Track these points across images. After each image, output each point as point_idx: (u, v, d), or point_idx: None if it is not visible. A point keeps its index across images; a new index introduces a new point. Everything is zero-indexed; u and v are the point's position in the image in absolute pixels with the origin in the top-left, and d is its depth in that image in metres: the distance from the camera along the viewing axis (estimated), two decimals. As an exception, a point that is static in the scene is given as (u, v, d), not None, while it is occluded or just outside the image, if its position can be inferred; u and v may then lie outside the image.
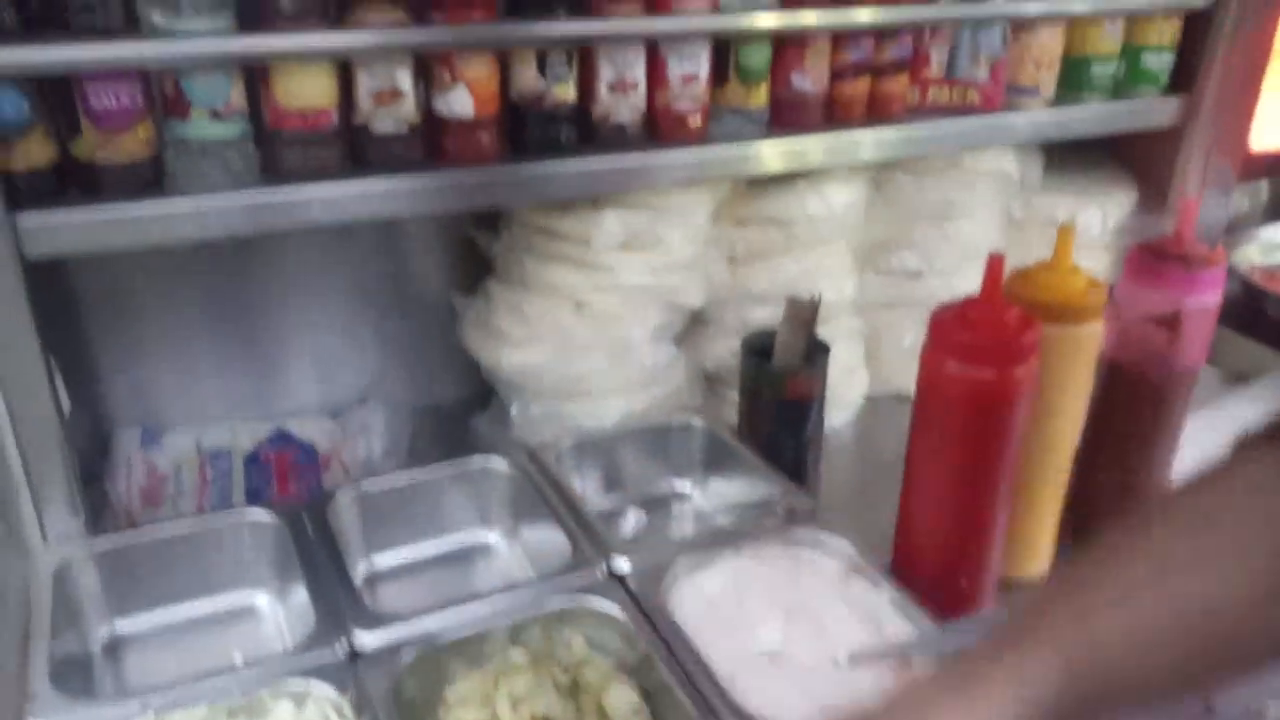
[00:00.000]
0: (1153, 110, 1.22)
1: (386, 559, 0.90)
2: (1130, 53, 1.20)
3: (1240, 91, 1.25)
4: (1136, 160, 1.30)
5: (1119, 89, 1.21)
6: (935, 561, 0.84)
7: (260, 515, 0.83)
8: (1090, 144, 1.23)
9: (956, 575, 0.84)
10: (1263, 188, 1.51)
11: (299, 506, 0.84)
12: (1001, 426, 0.78)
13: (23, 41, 0.70)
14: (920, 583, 0.81)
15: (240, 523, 0.83)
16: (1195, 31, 1.21)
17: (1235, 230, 1.41)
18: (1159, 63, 1.20)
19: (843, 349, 1.16)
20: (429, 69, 0.85)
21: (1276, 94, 1.39)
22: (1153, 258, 0.92)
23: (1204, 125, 1.24)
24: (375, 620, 0.73)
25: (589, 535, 0.84)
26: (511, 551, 0.93)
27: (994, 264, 0.77)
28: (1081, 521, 1.00)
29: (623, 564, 0.81)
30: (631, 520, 0.95)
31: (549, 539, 0.86)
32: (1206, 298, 0.92)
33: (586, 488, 0.99)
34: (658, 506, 1.00)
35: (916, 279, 1.19)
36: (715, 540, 0.85)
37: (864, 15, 1.00)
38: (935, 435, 0.81)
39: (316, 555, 0.80)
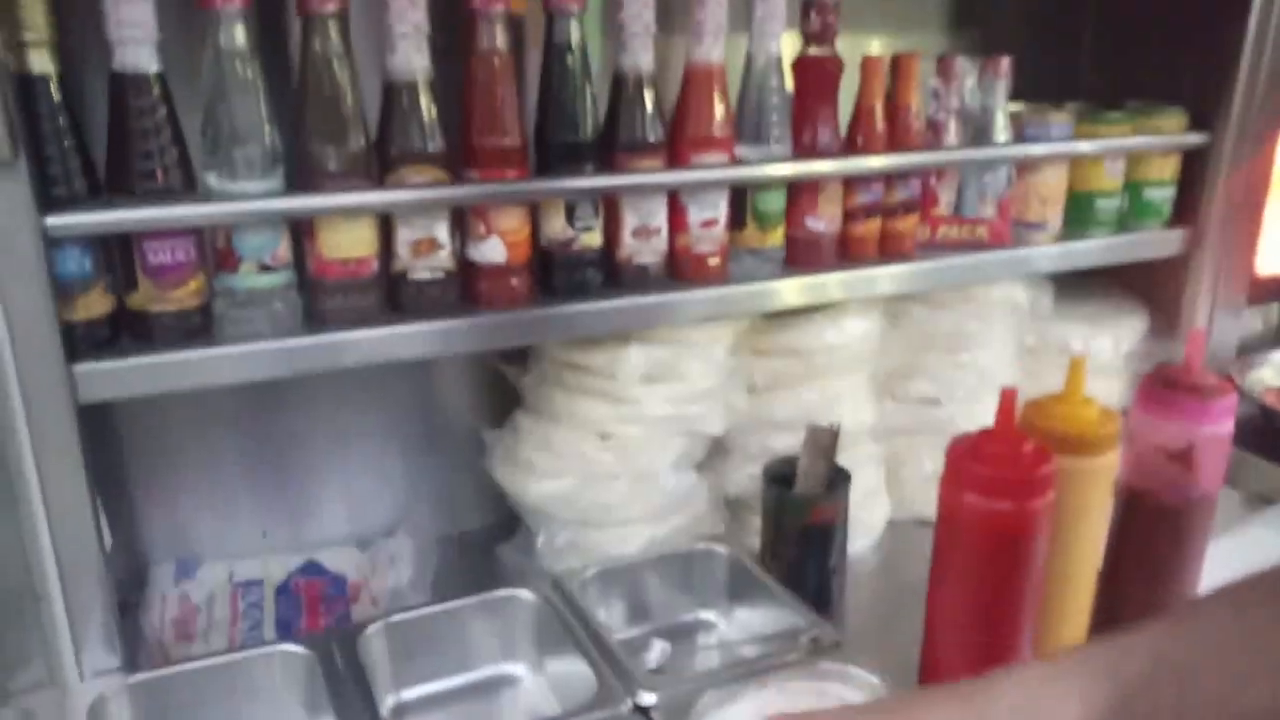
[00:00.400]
0: (1157, 241, 1.26)
1: (413, 692, 0.91)
2: (1133, 187, 1.25)
3: (1242, 220, 1.30)
4: (1145, 288, 1.33)
5: (1123, 222, 1.25)
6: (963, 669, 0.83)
7: (292, 648, 0.85)
8: (1100, 272, 1.27)
9: None
10: (1274, 310, 1.54)
11: (329, 638, 0.86)
12: (1020, 557, 0.80)
13: (88, 206, 0.76)
14: None
15: (272, 655, 0.85)
16: (1195, 165, 1.26)
17: (1248, 353, 1.44)
18: (1161, 196, 1.25)
19: (864, 475, 1.18)
20: (464, 220, 0.90)
21: None
22: (1163, 388, 0.95)
23: (1209, 253, 1.28)
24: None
25: (614, 668, 0.85)
26: (536, 684, 0.93)
27: (1007, 398, 0.81)
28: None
29: (648, 698, 0.82)
30: (656, 651, 0.95)
31: (574, 671, 0.87)
32: (1219, 426, 0.94)
33: (611, 617, 1.00)
34: (682, 636, 1.01)
35: (934, 406, 1.22)
36: (740, 673, 0.86)
37: (874, 162, 1.05)
38: (956, 566, 0.83)
39: (345, 688, 0.81)
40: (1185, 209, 1.27)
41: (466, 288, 0.92)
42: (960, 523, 0.81)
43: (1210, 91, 1.22)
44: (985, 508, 0.79)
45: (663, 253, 1.00)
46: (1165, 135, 1.23)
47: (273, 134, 0.79)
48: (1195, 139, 1.23)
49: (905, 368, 1.21)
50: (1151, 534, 0.96)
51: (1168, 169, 1.25)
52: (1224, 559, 1.00)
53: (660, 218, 0.99)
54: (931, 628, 0.86)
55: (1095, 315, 1.29)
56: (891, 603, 1.11)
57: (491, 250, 0.92)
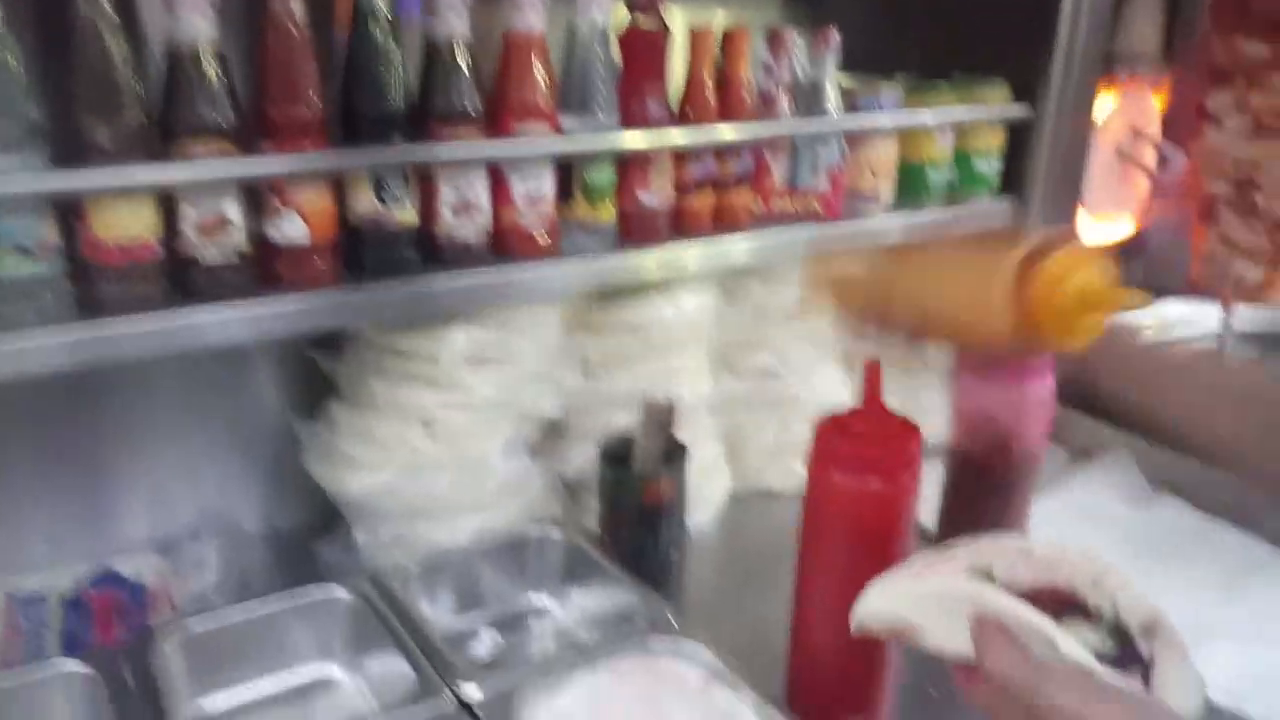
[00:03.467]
0: (986, 212, 1.30)
1: (217, 702, 0.86)
2: (961, 159, 1.29)
3: (1064, 189, 1.35)
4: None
5: (953, 193, 1.29)
6: (832, 667, 0.83)
7: (72, 666, 0.79)
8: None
9: (854, 680, 0.84)
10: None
11: (118, 653, 0.81)
12: (892, 533, 0.80)
13: None
14: (816, 689, 0.83)
15: (47, 676, 0.79)
16: (1019, 137, 1.30)
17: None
18: (988, 167, 1.29)
19: (704, 449, 1.19)
20: (260, 197, 0.85)
21: (1098, 191, 1.51)
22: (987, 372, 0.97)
23: (1034, 222, 1.33)
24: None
25: (435, 662, 0.83)
26: (355, 686, 0.90)
27: (872, 371, 0.79)
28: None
29: (471, 691, 0.80)
30: (487, 641, 0.94)
31: (394, 669, 0.84)
32: (1040, 384, 0.97)
33: (438, 610, 0.97)
34: (516, 625, 0.99)
35: (773, 378, 1.23)
36: (570, 658, 0.85)
37: (705, 135, 1.05)
38: (826, 545, 0.81)
39: (133, 707, 0.76)
40: (1011, 179, 1.32)
41: (266, 270, 0.87)
42: (829, 503, 0.80)
43: (1030, 64, 1.27)
44: (855, 487, 0.78)
45: (486, 229, 0.97)
46: (990, 106, 1.26)
47: (30, 105, 0.73)
48: (1019, 110, 1.28)
49: (743, 341, 1.22)
50: (980, 496, 0.99)
51: (994, 140, 1.29)
52: (1048, 515, 1.05)
53: (481, 192, 0.96)
54: (800, 611, 0.84)
55: (929, 285, 1.32)
56: (733, 576, 1.12)
57: (291, 228, 0.87)
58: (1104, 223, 1.55)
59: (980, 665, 0.59)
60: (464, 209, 0.95)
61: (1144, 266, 1.64)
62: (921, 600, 0.64)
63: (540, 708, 0.81)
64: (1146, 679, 0.58)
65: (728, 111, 1.08)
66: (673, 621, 0.90)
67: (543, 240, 0.99)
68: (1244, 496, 1.18)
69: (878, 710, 0.83)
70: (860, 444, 0.77)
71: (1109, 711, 0.54)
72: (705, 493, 1.19)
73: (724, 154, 1.09)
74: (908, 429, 0.79)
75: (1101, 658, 0.58)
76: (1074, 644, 0.58)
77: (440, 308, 0.95)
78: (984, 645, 0.59)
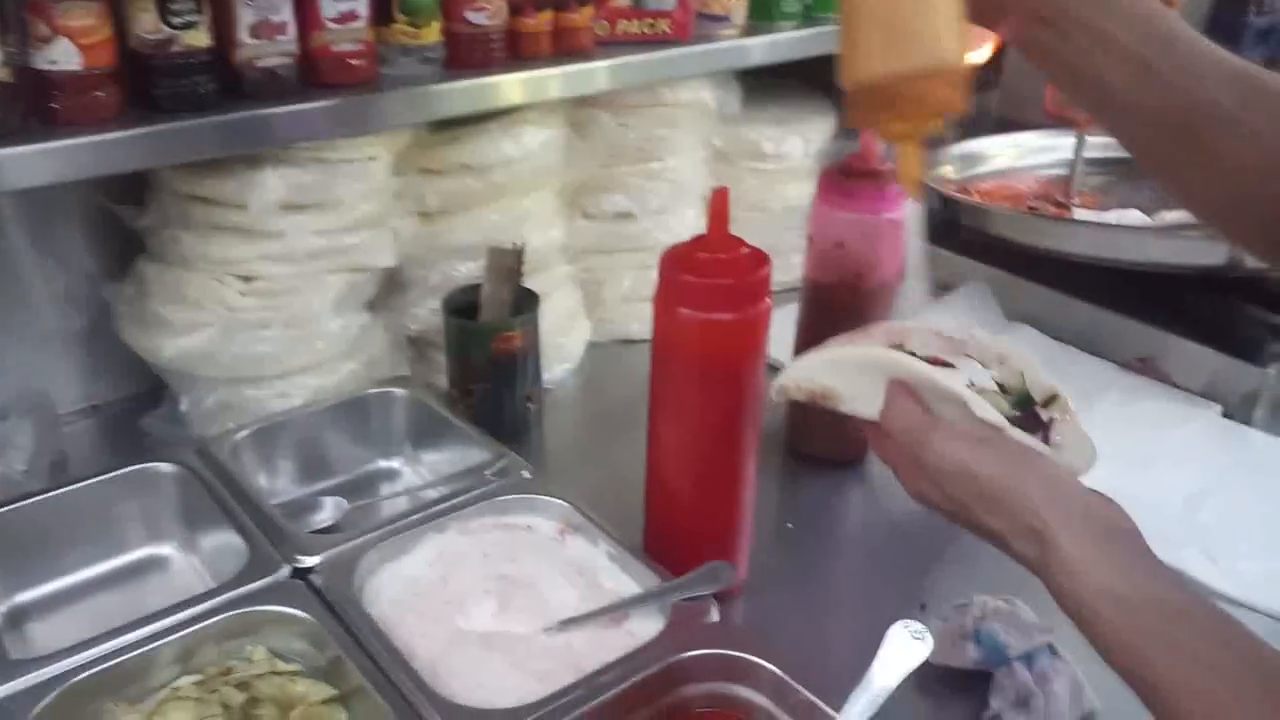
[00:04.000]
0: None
1: (34, 593, 0.79)
2: (815, -23, 1.22)
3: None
4: (831, 85, 1.32)
5: (808, 14, 1.23)
6: (689, 510, 0.80)
7: None
8: (788, 72, 1.25)
9: (712, 521, 0.81)
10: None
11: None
12: (744, 367, 0.76)
13: None
14: (674, 533, 0.80)
15: None
16: (875, -46, 1.24)
17: (932, 148, 1.48)
18: (844, -14, 1.23)
19: (559, 298, 1.14)
20: (21, 21, 0.73)
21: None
22: (841, 178, 0.94)
23: (892, 47, 1.28)
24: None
25: (271, 534, 0.77)
26: (188, 564, 0.84)
27: (718, 199, 0.74)
28: (801, 442, 1.02)
29: (308, 561, 0.75)
30: (330, 510, 0.88)
31: (228, 544, 0.79)
32: (895, 212, 0.94)
33: (276, 480, 0.91)
34: (364, 491, 0.94)
35: (629, 220, 1.18)
36: (416, 520, 0.80)
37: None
38: (676, 384, 0.77)
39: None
40: None
41: (36, 105, 0.75)
42: (678, 339, 0.75)
43: None
44: (705, 320, 0.73)
45: (293, 54, 0.87)
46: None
47: None
48: (874, -76, 1.21)
49: (595, 181, 1.15)
50: (832, 327, 0.97)
51: (849, -43, 1.22)
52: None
53: (285, 10, 0.85)
54: (654, 456, 0.80)
55: (784, 116, 1.28)
56: (594, 427, 1.09)
57: (61, 55, 0.75)
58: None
59: (886, 421, 0.62)
60: (265, 30, 0.84)
61: (1001, 97, 1.64)
62: (841, 366, 0.66)
63: (383, 574, 0.76)
64: (1046, 439, 0.62)
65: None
66: (527, 475, 0.86)
67: (359, 64, 0.89)
68: (1091, 325, 1.21)
69: (738, 550, 0.82)
70: (707, 275, 0.72)
71: (992, 458, 0.57)
72: (563, 343, 1.14)
73: (561, -32, 1.00)
74: (756, 258, 0.74)
75: (1007, 420, 0.61)
76: (986, 406, 0.61)
77: (243, 144, 0.85)
78: (888, 403, 0.62)
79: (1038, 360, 0.64)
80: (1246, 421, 1.09)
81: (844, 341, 0.68)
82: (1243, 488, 0.96)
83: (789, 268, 1.00)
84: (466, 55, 0.96)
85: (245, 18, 0.83)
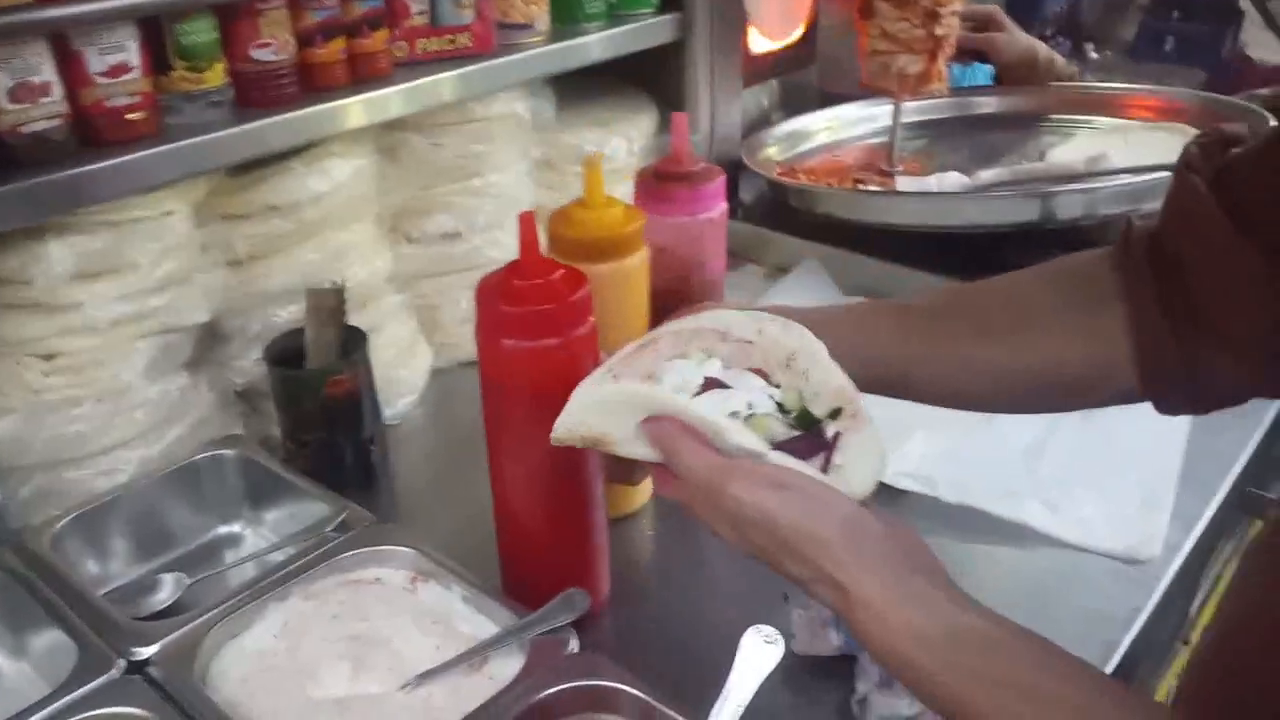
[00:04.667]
0: (649, 30, 1.25)
1: None
2: (618, -25, 1.22)
3: (728, 4, 1.32)
4: (649, 81, 1.34)
5: (614, 14, 1.23)
6: (541, 543, 0.80)
7: None
8: (603, 72, 1.24)
9: (566, 552, 0.81)
10: (773, 86, 1.63)
11: None
12: None
13: None
14: (530, 568, 0.79)
15: None
16: (676, -53, 1.25)
17: (755, 131, 1.51)
18: (647, -17, 1.24)
19: (393, 329, 1.11)
20: None
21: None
22: (655, 183, 0.94)
23: (701, 37, 1.30)
24: None
25: (101, 627, 0.73)
26: (18, 671, 0.79)
27: (526, 223, 0.72)
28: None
29: (144, 652, 0.71)
30: (169, 588, 0.84)
31: (57, 644, 0.74)
32: (713, 211, 0.95)
33: (110, 564, 0.87)
34: (206, 561, 0.90)
35: (457, 240, 1.16)
36: (257, 590, 0.77)
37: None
38: (511, 416, 0.76)
39: None
40: (672, -5, 1.28)
41: None
42: (505, 371, 0.74)
43: None
44: (531, 349, 0.72)
45: (63, 114, 0.82)
46: (638, -83, 1.20)
47: None
48: (668, -80, 1.22)
49: (415, 205, 1.13)
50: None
51: (650, -46, 1.23)
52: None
53: (45, 70, 0.80)
54: (499, 487, 0.79)
55: (604, 118, 1.28)
56: (444, 461, 1.07)
57: None
58: (775, 34, 1.55)
59: (673, 466, 0.60)
60: (26, 93, 0.79)
61: (819, 72, 1.67)
62: (609, 406, 0.64)
63: (227, 653, 0.74)
64: (828, 459, 0.61)
65: (343, -56, 0.95)
66: (372, 526, 0.84)
67: (139, 120, 0.85)
68: (926, 290, 1.25)
69: (596, 573, 0.82)
70: (526, 303, 0.71)
71: (791, 504, 0.57)
72: (403, 375, 1.12)
73: (348, -6, 0.97)
74: (573, 278, 0.74)
75: (780, 446, 0.60)
76: (743, 431, 0.60)
77: (21, 219, 0.80)
78: (672, 447, 0.60)
79: (824, 349, 0.63)
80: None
81: (624, 360, 0.65)
82: (1078, 433, 1.01)
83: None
84: (257, 94, 0.93)
85: (2, 82, 0.78)
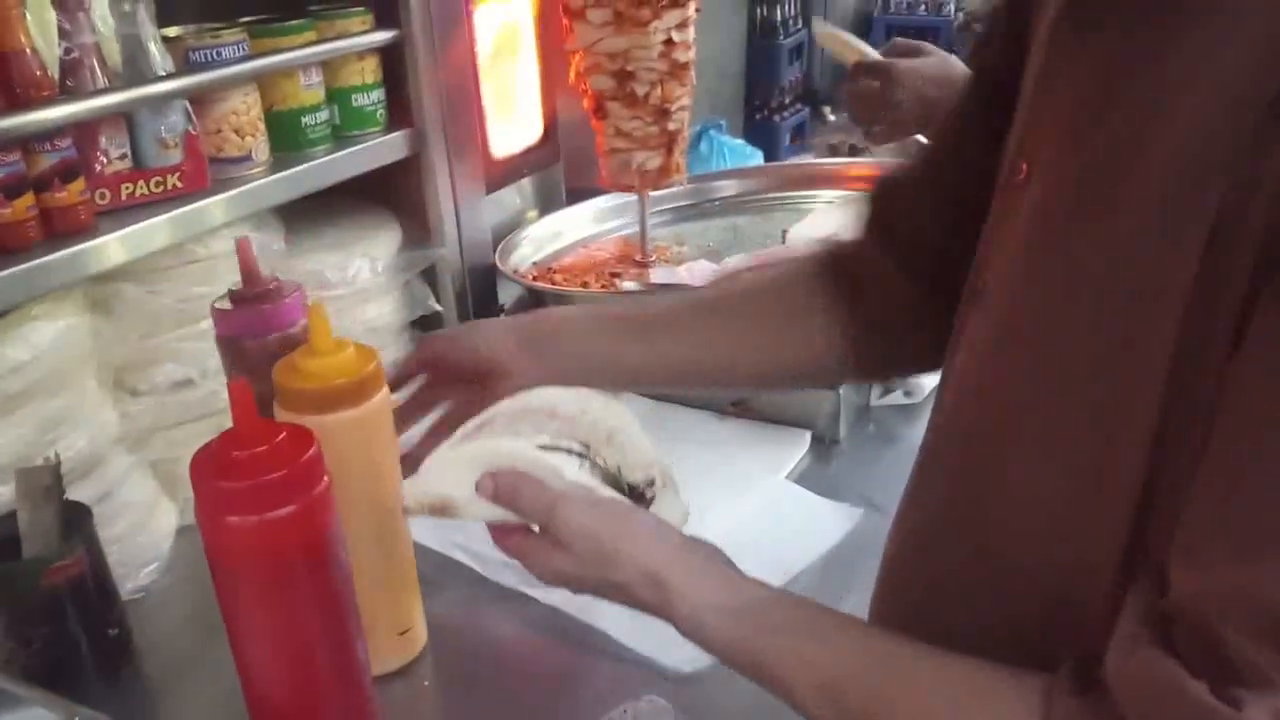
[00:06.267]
0: (378, 149, 1.24)
1: None
2: (338, 96, 1.21)
3: (460, 109, 1.33)
4: (389, 196, 1.33)
5: (339, 135, 1.21)
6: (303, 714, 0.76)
7: None
8: (341, 193, 1.22)
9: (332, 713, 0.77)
10: (524, 186, 1.65)
11: None
12: (323, 552, 0.72)
13: None
14: None
15: None
16: (396, 64, 1.25)
17: (509, 234, 1.52)
18: (369, 101, 1.23)
19: (127, 493, 1.04)
20: None
21: (507, 102, 1.52)
22: (237, 307, 0.90)
23: (436, 147, 1.30)
24: None
25: None
26: None
27: (238, 392, 0.68)
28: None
29: None
30: None
31: None
32: (294, 325, 0.90)
33: None
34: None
35: (190, 388, 1.10)
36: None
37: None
38: (248, 597, 0.71)
39: None
40: (399, 110, 1.27)
41: None
42: (235, 550, 0.70)
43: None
44: (261, 523, 0.68)
45: None
46: (354, 37, 1.19)
47: None
48: (385, 36, 1.22)
49: (139, 357, 1.06)
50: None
51: (369, 72, 1.23)
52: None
53: None
54: (247, 674, 0.74)
55: (343, 239, 1.25)
56: (200, 626, 0.99)
57: None
58: (515, 136, 1.58)
59: (513, 508, 0.67)
60: None
61: (565, 169, 1.71)
62: (455, 466, 0.69)
63: None
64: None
65: (16, 95, 0.89)
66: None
67: None
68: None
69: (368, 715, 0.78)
70: (249, 475, 0.68)
71: (604, 516, 0.66)
72: (143, 542, 1.04)
73: (29, 145, 0.91)
74: (298, 436, 0.71)
75: None
76: (577, 471, 0.70)
77: None
78: (512, 487, 0.67)
79: (639, 426, 0.73)
80: (835, 439, 1.20)
81: (464, 436, 0.72)
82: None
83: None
84: (-69, 265, 0.85)
85: None
